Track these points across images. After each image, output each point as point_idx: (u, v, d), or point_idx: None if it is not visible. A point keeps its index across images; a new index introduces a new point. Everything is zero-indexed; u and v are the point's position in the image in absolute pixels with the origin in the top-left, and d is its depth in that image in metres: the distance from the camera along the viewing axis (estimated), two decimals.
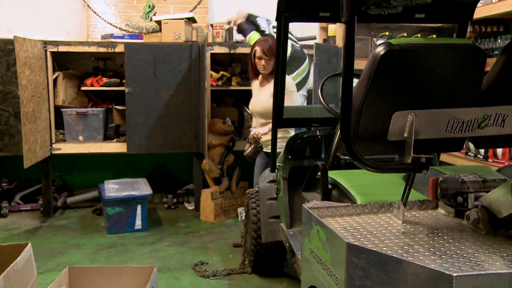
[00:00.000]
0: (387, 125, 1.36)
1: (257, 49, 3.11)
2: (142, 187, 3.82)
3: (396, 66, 1.40)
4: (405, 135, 1.36)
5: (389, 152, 1.53)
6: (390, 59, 1.37)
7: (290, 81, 3.12)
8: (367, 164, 1.33)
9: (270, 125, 2.83)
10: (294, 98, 3.08)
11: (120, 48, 3.92)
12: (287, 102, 2.82)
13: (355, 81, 1.36)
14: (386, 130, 1.37)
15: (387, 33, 3.84)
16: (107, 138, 4.18)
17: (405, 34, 3.72)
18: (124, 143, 4.02)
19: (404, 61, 1.40)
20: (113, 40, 4.03)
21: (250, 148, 3.15)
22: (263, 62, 3.11)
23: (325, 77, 2.29)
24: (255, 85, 3.29)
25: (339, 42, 4.13)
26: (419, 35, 3.70)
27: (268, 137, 2.86)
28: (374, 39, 3.88)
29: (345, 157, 2.23)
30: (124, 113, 3.97)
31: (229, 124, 4.06)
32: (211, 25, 4.39)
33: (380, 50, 1.38)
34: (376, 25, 3.83)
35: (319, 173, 1.77)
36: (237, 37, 4.15)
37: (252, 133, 3.09)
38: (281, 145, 2.66)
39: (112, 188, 3.76)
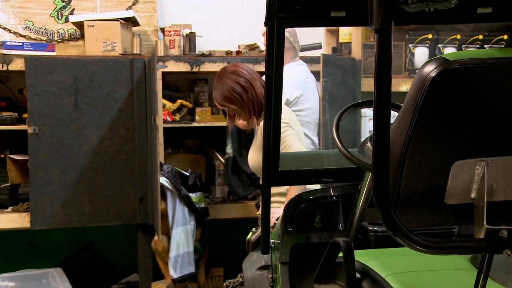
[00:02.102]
0: (444, 181, 1.39)
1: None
2: (55, 283, 3.85)
3: (456, 93, 1.40)
4: (473, 195, 1.38)
5: (448, 222, 1.58)
6: (446, 83, 1.37)
7: (286, 112, 3.05)
8: (416, 242, 1.33)
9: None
10: (291, 140, 3.03)
11: (17, 65, 3.83)
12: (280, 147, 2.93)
13: (393, 115, 1.37)
14: (442, 189, 1.40)
15: (429, 36, 3.87)
16: None
17: (459, 37, 3.79)
18: (25, 214, 3.89)
19: (468, 86, 1.40)
20: (5, 51, 3.86)
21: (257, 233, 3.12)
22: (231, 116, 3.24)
23: (342, 108, 2.22)
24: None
25: (356, 52, 4.07)
26: (480, 36, 3.74)
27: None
28: (411, 45, 3.90)
29: (376, 228, 2.22)
30: (25, 166, 3.86)
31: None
32: (162, 30, 4.36)
33: (431, 70, 1.37)
34: (412, 24, 3.79)
35: (340, 255, 1.77)
36: (201, 47, 4.24)
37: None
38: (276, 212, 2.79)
39: None
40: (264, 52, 2.66)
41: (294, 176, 2.47)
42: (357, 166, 2.02)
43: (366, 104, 2.32)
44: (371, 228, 2.22)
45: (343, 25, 3.91)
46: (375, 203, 1.35)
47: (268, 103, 2.17)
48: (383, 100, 1.29)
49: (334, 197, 2.36)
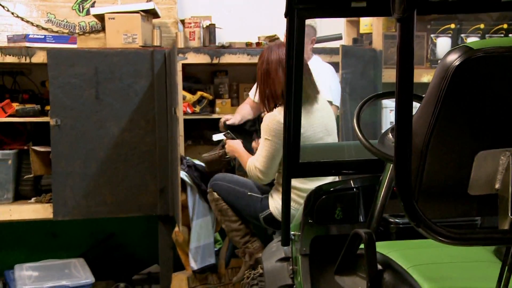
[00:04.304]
0: (468, 172, 1.38)
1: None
2: (77, 273, 3.80)
3: (480, 82, 1.39)
4: (497, 186, 1.36)
5: (471, 213, 1.57)
6: (470, 73, 1.37)
7: (270, 119, 3.06)
8: (439, 233, 1.31)
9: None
10: (267, 149, 3.06)
11: (39, 58, 3.81)
12: (258, 152, 3.07)
13: (415, 105, 1.37)
14: (466, 180, 1.39)
15: (452, 26, 3.87)
16: (20, 197, 4.05)
17: (482, 26, 3.78)
18: (48, 205, 3.89)
19: (493, 75, 1.40)
20: (28, 44, 3.83)
21: (215, 153, 3.42)
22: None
23: (363, 100, 2.23)
24: None
25: (377, 43, 4.07)
26: (504, 25, 3.73)
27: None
28: (433, 35, 3.91)
29: (398, 220, 2.22)
30: (48, 158, 3.85)
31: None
32: (182, 22, 4.33)
33: (454, 59, 1.36)
34: (434, 14, 3.83)
35: (361, 247, 1.78)
36: (221, 38, 4.20)
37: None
38: (295, 207, 2.78)
39: (29, 277, 3.71)
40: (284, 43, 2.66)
41: (315, 167, 2.46)
42: (378, 157, 2.01)
43: (387, 95, 2.30)
44: (392, 220, 2.21)
45: (364, 16, 3.92)
46: (397, 194, 1.33)
47: (288, 95, 2.15)
48: (405, 90, 1.29)
49: (354, 189, 2.35)
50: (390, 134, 1.91)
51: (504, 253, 1.46)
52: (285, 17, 2.00)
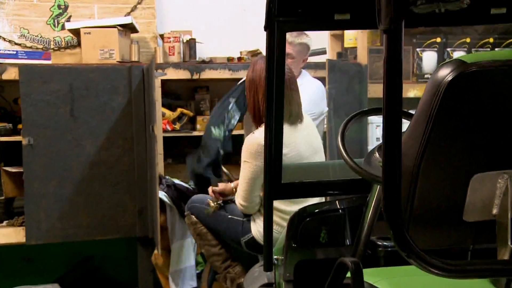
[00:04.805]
0: (462, 196, 1.36)
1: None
2: None
3: (475, 99, 1.36)
4: (494, 211, 1.34)
5: (466, 241, 1.55)
6: (463, 88, 1.33)
7: (249, 141, 2.99)
8: (433, 265, 1.27)
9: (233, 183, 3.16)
10: (246, 172, 2.97)
11: (11, 74, 3.79)
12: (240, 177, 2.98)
13: (404, 123, 1.33)
14: (460, 205, 1.37)
15: (438, 40, 3.84)
16: None
17: (468, 40, 3.76)
18: (21, 228, 3.83)
19: (488, 90, 1.36)
20: None
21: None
22: None
23: (348, 116, 2.18)
24: None
25: (362, 57, 4.06)
26: (490, 39, 3.71)
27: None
28: (419, 49, 3.88)
29: (386, 243, 2.18)
30: (20, 179, 3.80)
31: None
32: (161, 36, 4.31)
33: (447, 74, 1.32)
34: (419, 28, 3.80)
35: (348, 275, 1.72)
36: (202, 53, 4.22)
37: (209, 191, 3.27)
38: (278, 230, 2.76)
39: None
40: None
41: (298, 188, 2.40)
42: (364, 178, 1.96)
43: (374, 112, 2.29)
44: (380, 243, 2.15)
45: (348, 28, 3.89)
46: (385, 221, 1.27)
47: (269, 111, 2.11)
48: (393, 106, 1.23)
49: (340, 210, 2.31)
50: (377, 153, 1.85)
51: (505, 285, 1.48)
52: (265, 30, 1.96)
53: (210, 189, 3.25)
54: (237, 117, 3.59)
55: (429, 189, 1.40)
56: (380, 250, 2.17)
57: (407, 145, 1.38)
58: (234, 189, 3.15)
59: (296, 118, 2.92)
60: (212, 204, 3.22)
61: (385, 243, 2.16)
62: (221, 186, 3.24)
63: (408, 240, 1.27)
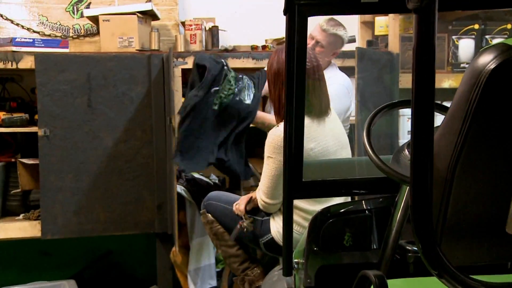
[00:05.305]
0: (505, 206, 1.29)
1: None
2: None
3: None
4: None
5: (509, 258, 1.50)
6: (508, 79, 1.24)
7: (272, 135, 2.86)
8: (467, 285, 1.19)
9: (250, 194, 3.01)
10: (270, 168, 2.85)
11: (27, 63, 3.75)
12: (263, 173, 2.85)
13: (438, 118, 1.34)
14: (502, 215, 1.30)
15: (476, 26, 3.73)
16: (8, 213, 4.03)
17: (509, 26, 3.65)
18: (36, 222, 3.84)
19: None
20: (14, 48, 3.76)
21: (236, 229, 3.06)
22: None
23: (375, 109, 2.10)
24: None
25: (394, 46, 3.97)
26: None
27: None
28: (455, 37, 3.75)
29: (415, 248, 2.09)
30: (37, 171, 3.78)
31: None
32: (183, 24, 4.24)
33: (489, 61, 1.23)
34: (455, 13, 3.72)
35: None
36: (225, 41, 4.15)
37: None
38: (299, 231, 2.72)
39: None
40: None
41: (320, 187, 2.34)
42: (391, 178, 1.86)
43: (403, 104, 2.18)
44: (409, 248, 2.06)
45: (376, 13, 3.85)
46: (413, 234, 1.21)
47: (289, 104, 2.06)
48: (424, 98, 1.15)
49: (366, 211, 2.26)
50: (406, 150, 1.77)
51: None
52: (284, 14, 1.89)
53: (234, 207, 3.11)
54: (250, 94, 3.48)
55: (465, 197, 1.31)
56: (410, 256, 2.07)
57: (440, 144, 1.29)
58: (255, 199, 3.04)
59: (325, 110, 2.81)
60: (245, 224, 3.08)
61: (414, 248, 2.06)
62: (243, 201, 3.05)
63: (440, 256, 1.19)
